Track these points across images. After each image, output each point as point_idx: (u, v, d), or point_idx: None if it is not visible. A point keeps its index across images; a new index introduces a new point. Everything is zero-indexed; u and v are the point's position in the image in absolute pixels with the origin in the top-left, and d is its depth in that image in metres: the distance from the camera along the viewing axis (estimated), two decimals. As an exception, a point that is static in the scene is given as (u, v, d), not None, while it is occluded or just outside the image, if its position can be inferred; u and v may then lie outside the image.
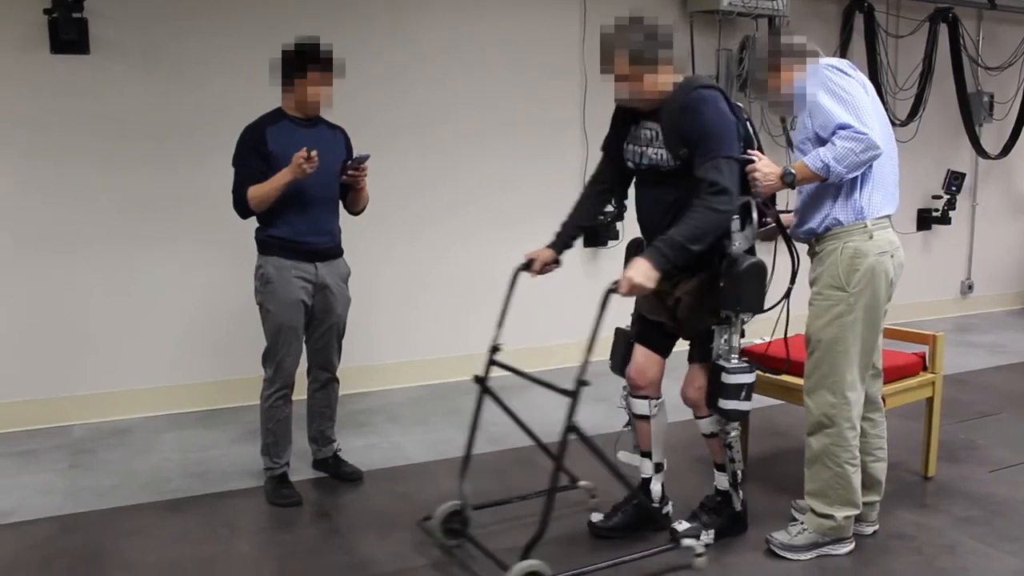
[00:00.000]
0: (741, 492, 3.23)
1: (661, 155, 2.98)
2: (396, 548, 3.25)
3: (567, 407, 2.79)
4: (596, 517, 3.32)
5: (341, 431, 4.13)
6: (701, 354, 3.10)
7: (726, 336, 3.00)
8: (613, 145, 3.20)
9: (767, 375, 3.74)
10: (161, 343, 4.93)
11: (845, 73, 2.94)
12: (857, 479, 3.08)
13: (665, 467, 3.31)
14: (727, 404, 3.00)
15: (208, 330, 4.99)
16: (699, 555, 2.96)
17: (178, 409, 4.95)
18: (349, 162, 3.58)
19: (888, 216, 3.04)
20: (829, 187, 2.98)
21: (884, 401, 3.48)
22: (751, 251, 3.03)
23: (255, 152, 3.53)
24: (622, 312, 3.26)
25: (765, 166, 2.94)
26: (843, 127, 2.83)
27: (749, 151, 2.98)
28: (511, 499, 3.49)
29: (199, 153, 4.81)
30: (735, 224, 2.93)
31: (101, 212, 4.74)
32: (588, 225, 3.36)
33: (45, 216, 4.64)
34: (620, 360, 3.30)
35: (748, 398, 3.03)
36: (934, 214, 7.37)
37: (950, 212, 7.30)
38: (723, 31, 6.14)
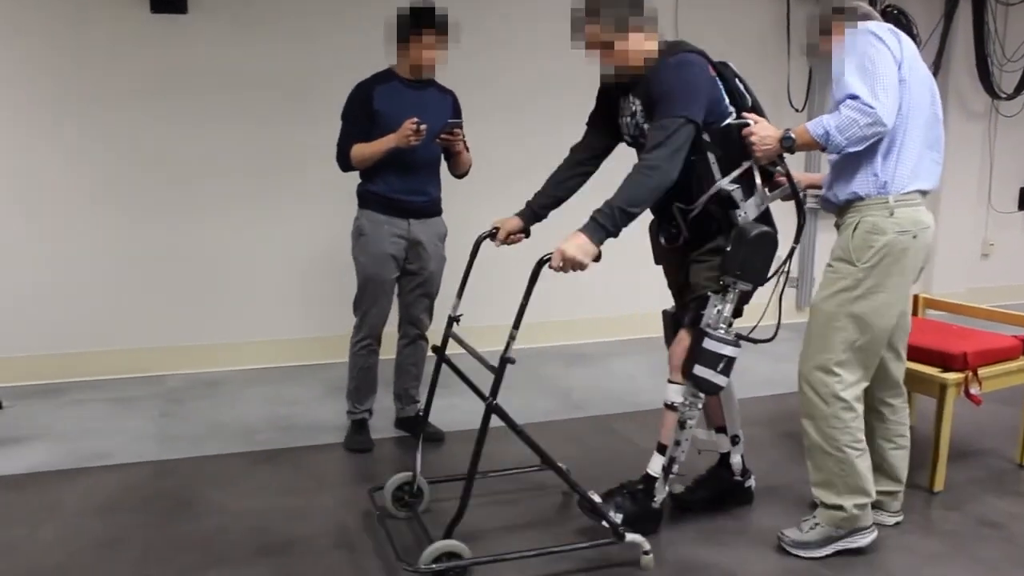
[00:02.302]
0: (667, 487, 3.02)
1: (646, 129, 2.84)
2: (472, 507, 3.28)
3: (491, 384, 2.69)
4: (678, 488, 3.28)
5: (425, 391, 4.18)
6: (693, 319, 2.91)
7: (719, 307, 2.83)
8: (598, 120, 3.10)
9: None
10: (253, 299, 5.06)
11: (880, 39, 2.71)
12: (863, 464, 2.88)
13: (742, 439, 3.25)
14: (701, 371, 2.82)
15: (298, 287, 5.10)
16: (646, 552, 2.82)
17: (266, 363, 5.09)
18: (443, 125, 3.59)
19: (920, 192, 2.82)
20: (852, 158, 2.80)
21: (981, 384, 3.38)
22: (766, 217, 2.89)
23: (361, 109, 3.60)
24: (667, 294, 3.25)
25: (762, 129, 2.78)
26: (853, 97, 2.65)
27: (744, 114, 2.82)
28: (487, 473, 3.35)
29: (291, 110, 4.89)
30: (738, 192, 2.81)
31: (196, 169, 4.87)
32: (562, 196, 3.18)
33: (142, 173, 4.79)
34: (672, 340, 3.20)
35: (725, 373, 2.84)
36: (1038, 193, 7.09)
37: (1057, 191, 7.01)
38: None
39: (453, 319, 3.07)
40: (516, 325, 2.66)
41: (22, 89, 4.56)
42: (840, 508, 2.89)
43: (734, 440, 3.24)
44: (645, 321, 5.35)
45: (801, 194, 2.89)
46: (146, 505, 3.29)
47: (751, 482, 3.32)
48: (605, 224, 2.60)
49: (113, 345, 4.86)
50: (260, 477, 3.56)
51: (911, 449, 3.15)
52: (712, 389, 2.89)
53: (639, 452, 3.10)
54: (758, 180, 2.87)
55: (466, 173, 3.86)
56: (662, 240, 3.06)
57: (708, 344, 2.81)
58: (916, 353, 3.45)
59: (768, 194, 2.93)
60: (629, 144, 3.04)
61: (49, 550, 2.95)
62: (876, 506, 3.15)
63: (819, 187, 3.24)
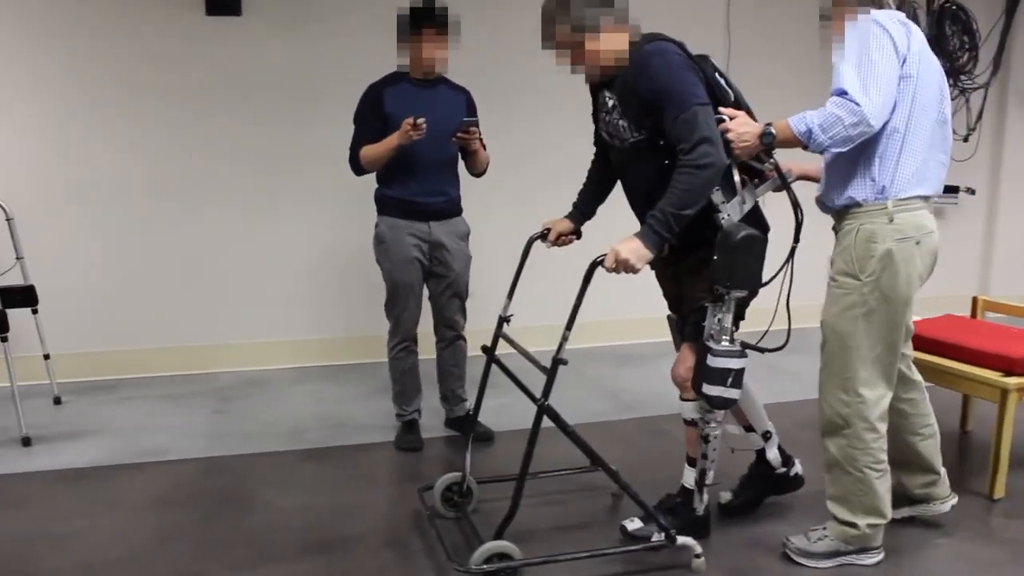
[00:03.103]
0: (706, 496, 2.96)
1: (623, 127, 2.74)
2: (522, 507, 3.26)
3: (543, 385, 2.64)
4: (726, 497, 3.22)
5: (473, 391, 4.18)
6: (694, 333, 2.83)
7: (719, 316, 2.70)
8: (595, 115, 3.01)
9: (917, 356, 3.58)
10: (300, 298, 5.11)
11: (884, 30, 2.53)
12: (882, 485, 2.77)
13: (774, 433, 3.17)
14: (710, 390, 2.71)
15: (344, 286, 5.13)
16: (698, 556, 2.78)
17: (315, 362, 5.13)
18: (459, 125, 3.56)
19: (922, 197, 2.66)
20: (848, 159, 2.64)
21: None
22: (753, 217, 2.76)
23: (372, 112, 3.62)
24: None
25: (739, 125, 2.62)
26: (840, 92, 2.48)
27: (721, 109, 2.67)
28: (537, 473, 3.32)
29: (341, 110, 4.90)
30: (718, 195, 2.66)
31: (247, 168, 4.93)
32: (604, 192, 3.14)
33: (195, 171, 4.87)
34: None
35: (736, 385, 2.70)
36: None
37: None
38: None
39: (504, 319, 3.05)
40: (569, 326, 2.63)
41: (80, 89, 4.65)
42: (853, 525, 2.81)
43: (766, 436, 3.16)
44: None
45: (791, 186, 2.76)
46: (199, 501, 3.33)
47: (796, 468, 3.25)
48: (660, 230, 2.56)
49: (165, 342, 4.94)
50: (310, 475, 3.59)
51: (971, 453, 3.08)
52: (724, 405, 2.78)
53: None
54: (736, 179, 2.74)
55: (484, 172, 3.84)
56: None
57: (712, 362, 2.70)
58: (976, 356, 3.38)
59: (756, 189, 2.80)
60: (605, 140, 2.91)
61: (107, 543, 3.00)
62: (925, 500, 3.08)
63: (813, 178, 3.05)
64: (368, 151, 3.60)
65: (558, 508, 3.28)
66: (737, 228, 2.63)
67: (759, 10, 5.64)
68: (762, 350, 2.80)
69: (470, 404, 4.04)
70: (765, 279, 2.70)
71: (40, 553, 2.94)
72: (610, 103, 2.78)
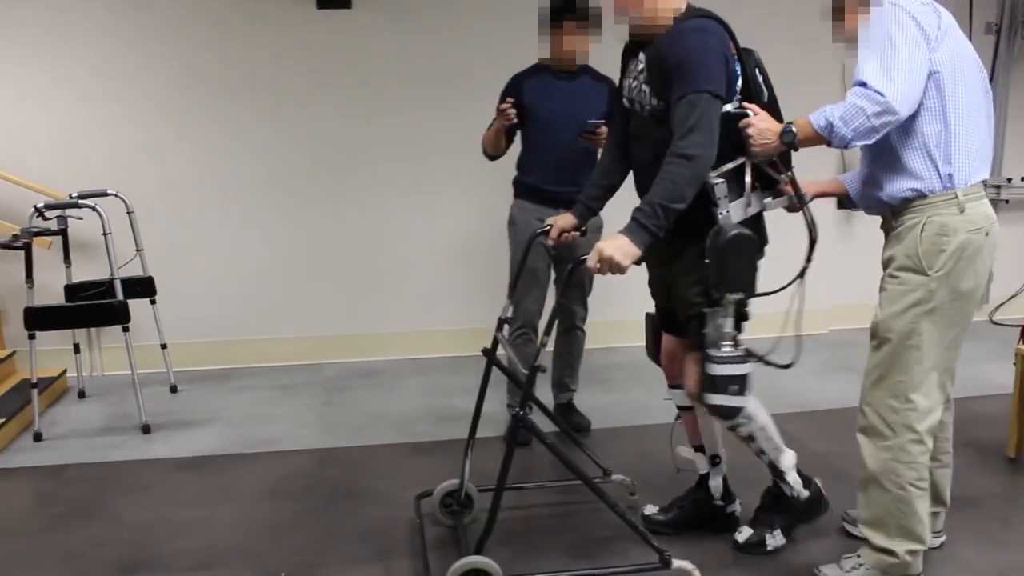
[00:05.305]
0: (793, 478, 2.80)
1: (645, 92, 2.57)
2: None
3: (522, 393, 2.54)
4: (650, 510, 3.03)
5: (585, 385, 4.12)
6: (696, 342, 2.64)
7: (719, 321, 2.55)
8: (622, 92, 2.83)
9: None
10: (411, 289, 5.12)
11: (909, 14, 2.37)
12: (923, 506, 2.52)
13: (723, 460, 2.96)
14: (713, 399, 2.57)
15: (455, 278, 5.11)
16: None
17: (424, 354, 5.13)
18: (586, 123, 3.48)
19: (983, 183, 2.49)
20: (901, 148, 2.44)
21: None
22: (755, 225, 2.58)
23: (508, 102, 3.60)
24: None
25: (760, 121, 2.47)
26: (861, 83, 2.32)
27: (745, 104, 2.52)
28: (525, 484, 3.26)
29: (451, 101, 4.90)
30: (723, 188, 2.48)
31: (361, 160, 4.96)
32: (611, 184, 2.96)
33: (309, 164, 4.92)
34: (652, 347, 2.98)
35: (741, 393, 2.56)
36: None
37: None
38: (1011, -28, 5.52)
39: (503, 321, 3.00)
40: (547, 331, 2.52)
41: (197, 83, 4.75)
42: (890, 553, 2.54)
43: (714, 461, 2.96)
44: (812, 317, 5.12)
45: (808, 205, 2.57)
46: (312, 492, 3.34)
47: (734, 507, 3.01)
48: (647, 224, 2.38)
49: (277, 333, 5.02)
50: (421, 468, 3.56)
51: None
52: (730, 414, 2.63)
53: (808, 455, 2.87)
54: (748, 180, 2.55)
55: None
56: None
57: (712, 369, 2.56)
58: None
59: (768, 202, 2.62)
60: (626, 108, 2.74)
61: (224, 532, 3.04)
62: None
63: (832, 195, 2.85)
64: (484, 136, 3.70)
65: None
66: (728, 227, 2.47)
67: None
68: (772, 364, 2.64)
69: (575, 394, 4.02)
70: (773, 288, 2.56)
71: (160, 539, 2.99)
72: (640, 66, 2.63)
